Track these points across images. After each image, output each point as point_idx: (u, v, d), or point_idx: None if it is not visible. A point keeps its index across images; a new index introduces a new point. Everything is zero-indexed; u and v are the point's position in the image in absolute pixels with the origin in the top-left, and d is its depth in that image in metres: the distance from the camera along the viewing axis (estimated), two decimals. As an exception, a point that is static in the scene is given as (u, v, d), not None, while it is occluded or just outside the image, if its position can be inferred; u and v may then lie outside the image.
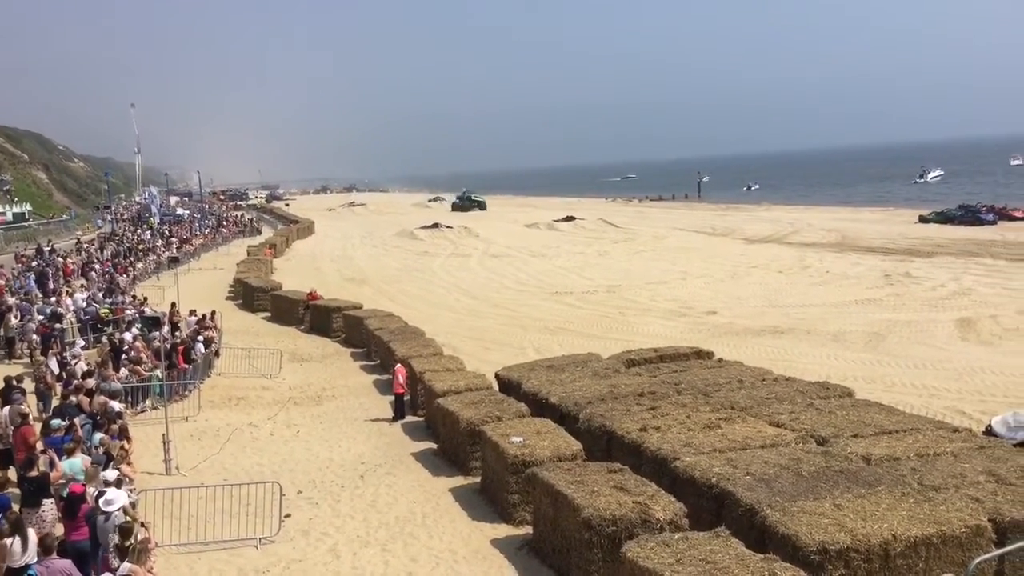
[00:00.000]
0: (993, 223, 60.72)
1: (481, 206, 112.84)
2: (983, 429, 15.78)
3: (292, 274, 49.10)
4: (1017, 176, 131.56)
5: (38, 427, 14.50)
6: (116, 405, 16.11)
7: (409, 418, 20.31)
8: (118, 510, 10.32)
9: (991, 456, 12.42)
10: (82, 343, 24.20)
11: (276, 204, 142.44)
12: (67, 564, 9.32)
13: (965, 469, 11.82)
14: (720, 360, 20.84)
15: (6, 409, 14.83)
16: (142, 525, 10.69)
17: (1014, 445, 13.92)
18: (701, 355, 21.17)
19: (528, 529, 13.12)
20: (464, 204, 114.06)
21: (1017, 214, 63.78)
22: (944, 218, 64.67)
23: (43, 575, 9.10)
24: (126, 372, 20.58)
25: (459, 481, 15.73)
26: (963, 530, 9.84)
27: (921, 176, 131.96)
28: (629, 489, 11.42)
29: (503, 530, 13.39)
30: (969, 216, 63.02)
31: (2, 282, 33.62)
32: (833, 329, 28.43)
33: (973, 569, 9.33)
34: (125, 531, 9.69)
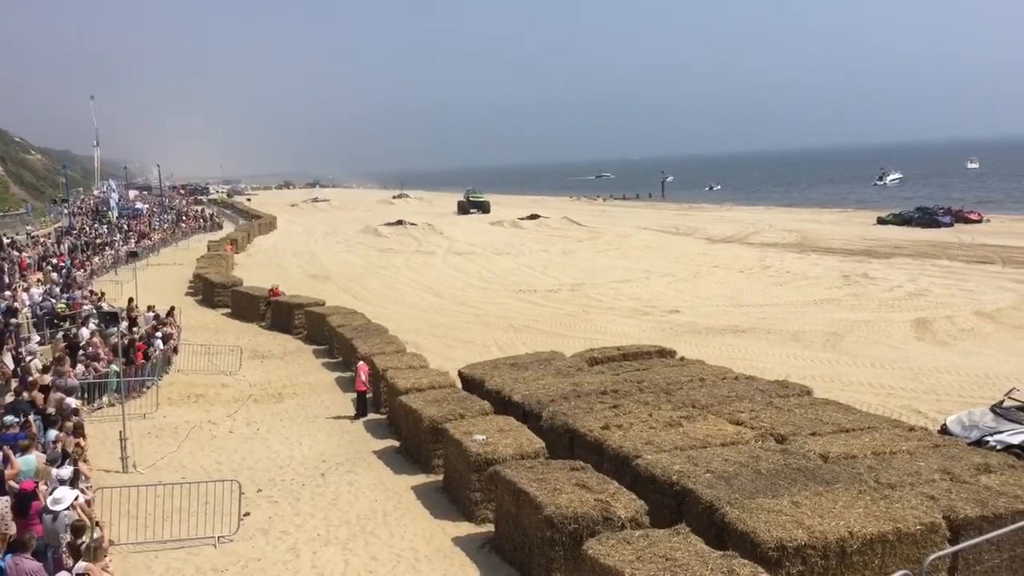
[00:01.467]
0: (950, 225, 61.74)
1: (483, 208, 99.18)
2: (938, 428, 16.06)
3: (253, 270, 48.61)
4: (973, 179, 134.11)
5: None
6: (72, 402, 15.88)
7: (371, 416, 20.21)
8: (67, 509, 10.15)
9: (946, 454, 12.65)
10: (37, 339, 23.77)
11: (238, 199, 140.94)
12: (37, 567, 9.10)
13: (920, 467, 12.03)
14: (682, 359, 20.99)
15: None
16: (97, 524, 10.53)
17: (968, 444, 14.20)
18: (663, 354, 21.32)
19: (490, 527, 13.13)
20: (466, 206, 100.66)
21: (973, 216, 64.92)
22: (902, 220, 65.62)
23: (11, 571, 8.90)
24: (82, 368, 20.25)
25: (421, 479, 15.70)
26: (918, 527, 10.01)
27: (880, 178, 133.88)
28: (591, 487, 11.48)
29: (465, 528, 13.39)
30: (926, 218, 64.01)
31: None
32: (793, 328, 28.76)
33: (928, 566, 9.49)
34: (77, 529, 9.54)
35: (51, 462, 12.08)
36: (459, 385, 19.34)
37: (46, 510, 10.23)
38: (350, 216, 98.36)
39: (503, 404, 17.24)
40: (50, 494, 10.43)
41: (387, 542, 12.90)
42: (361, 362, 21.06)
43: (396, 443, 17.89)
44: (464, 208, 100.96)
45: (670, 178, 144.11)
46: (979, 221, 63.72)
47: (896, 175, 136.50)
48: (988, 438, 15.13)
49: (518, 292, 39.42)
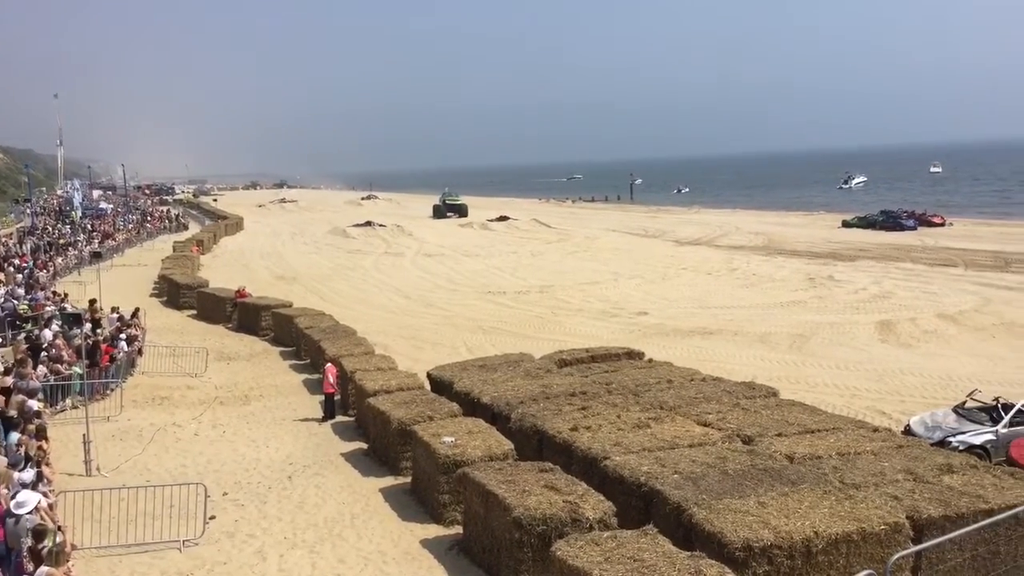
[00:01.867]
0: (913, 228, 62.58)
1: (460, 211, 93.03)
2: (902, 429, 16.30)
3: (220, 271, 48.18)
4: (937, 183, 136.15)
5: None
6: (34, 404, 15.61)
7: (339, 418, 20.09)
8: (30, 512, 9.98)
9: (909, 455, 12.84)
10: None
11: (204, 199, 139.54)
12: None
13: (884, 468, 12.19)
14: (650, 360, 21.10)
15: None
16: (59, 528, 10.37)
17: (931, 444, 14.41)
18: (632, 355, 21.42)
19: (459, 529, 13.11)
20: (443, 210, 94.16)
21: (936, 220, 65.84)
22: (866, 223, 66.43)
23: None
24: (44, 370, 19.95)
25: (389, 481, 15.63)
26: (882, 527, 10.14)
27: (845, 182, 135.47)
28: (559, 488, 11.50)
29: (433, 530, 13.35)
30: (890, 221, 64.85)
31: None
32: (759, 330, 29.02)
33: (892, 565, 9.61)
34: (39, 534, 9.38)
35: (13, 465, 11.88)
36: (428, 387, 19.29)
37: (9, 514, 10.04)
38: (318, 217, 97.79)
39: (472, 406, 17.23)
40: (13, 498, 10.25)
41: (355, 545, 12.83)
42: (329, 364, 20.93)
43: (364, 445, 17.80)
44: (440, 212, 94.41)
45: (638, 180, 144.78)
46: (942, 224, 64.66)
47: (861, 179, 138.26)
48: (951, 439, 15.39)
49: (487, 294, 39.40)
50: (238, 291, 33.77)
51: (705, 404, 16.15)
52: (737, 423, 14.77)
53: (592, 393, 17.07)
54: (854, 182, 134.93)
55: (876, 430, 14.58)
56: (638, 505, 11.70)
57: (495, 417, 16.31)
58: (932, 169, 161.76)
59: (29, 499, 10.17)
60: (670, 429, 14.37)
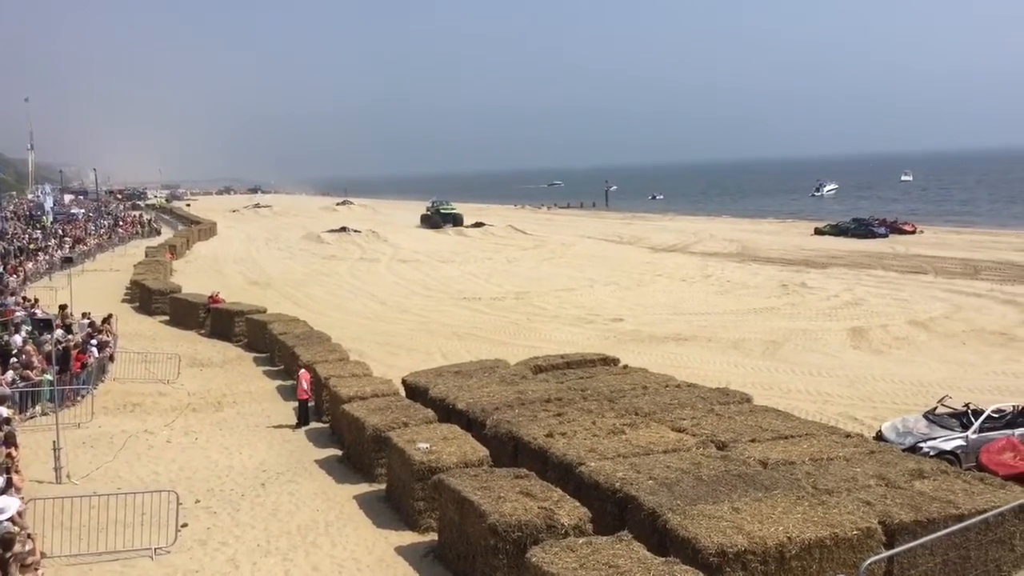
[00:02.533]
0: (885, 236, 63.26)
1: (456, 220, 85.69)
2: (874, 435, 16.43)
3: (193, 276, 47.80)
4: (907, 191, 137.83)
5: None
6: (3, 411, 15.40)
7: (314, 424, 19.99)
8: (7, 519, 9.84)
9: (881, 460, 12.95)
10: None
11: (177, 204, 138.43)
12: None
13: (857, 473, 12.29)
14: (625, 366, 21.17)
15: None
16: (29, 536, 10.23)
17: (903, 450, 14.55)
18: (607, 361, 21.47)
19: (434, 536, 13.07)
20: (435, 219, 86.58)
21: (907, 227, 66.61)
22: (838, 231, 67.06)
23: None
24: (13, 376, 19.69)
25: (364, 488, 15.55)
26: (855, 532, 10.23)
27: (817, 190, 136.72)
28: (535, 495, 11.50)
29: (408, 537, 13.30)
30: (862, 229, 65.50)
31: None
32: (733, 337, 29.20)
33: (864, 570, 9.67)
34: (7, 541, 9.25)
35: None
36: (403, 393, 19.24)
37: None
38: (292, 222, 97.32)
39: (447, 412, 17.19)
40: None
41: (329, 552, 12.75)
42: (303, 370, 20.82)
43: (339, 452, 17.71)
44: (432, 222, 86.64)
45: (614, 187, 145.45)
46: (913, 232, 65.40)
47: (832, 186, 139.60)
48: (922, 444, 15.53)
49: (462, 300, 39.38)
50: (211, 297, 33.51)
51: (679, 410, 16.21)
52: (711, 429, 14.85)
53: (567, 399, 17.09)
54: (825, 190, 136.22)
55: (848, 436, 14.71)
56: (613, 511, 11.72)
57: (470, 423, 16.29)
58: (903, 178, 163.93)
59: (9, 505, 10.03)
60: (645, 435, 14.41)
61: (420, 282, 46.44)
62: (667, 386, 18.42)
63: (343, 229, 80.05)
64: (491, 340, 29.76)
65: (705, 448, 13.77)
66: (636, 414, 15.92)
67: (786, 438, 14.28)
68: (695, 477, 12.04)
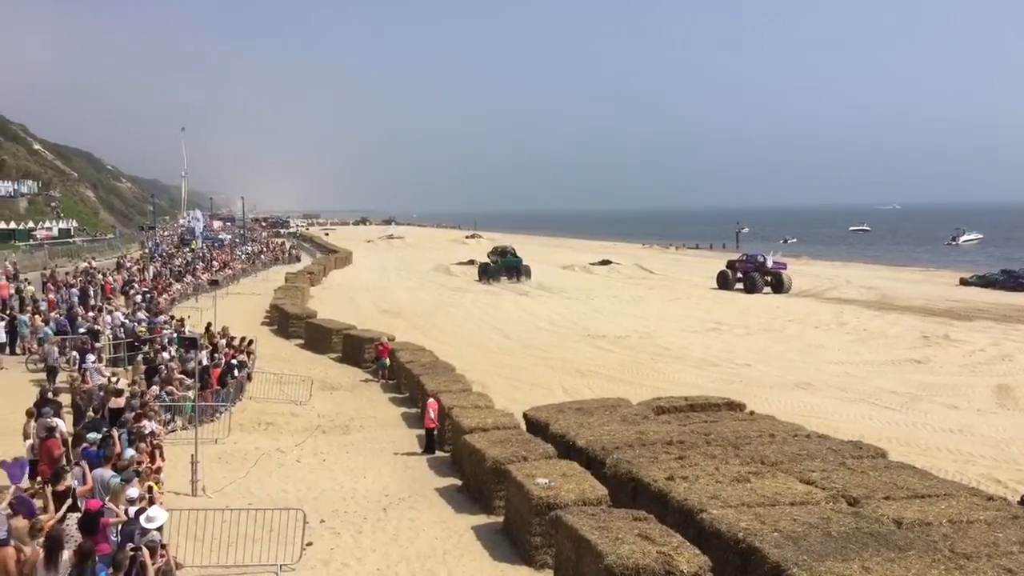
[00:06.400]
0: (1036, 289, 59.74)
1: (520, 271, 68.38)
2: (1018, 499, 15.43)
3: (328, 303, 49.47)
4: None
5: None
6: (151, 424, 16.26)
7: (436, 453, 20.29)
8: (158, 529, 10.35)
9: (1026, 527, 12.14)
10: (92, 359, 24.44)
11: (315, 231, 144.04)
12: None
13: (998, 538, 11.55)
14: (752, 413, 20.61)
15: (34, 422, 15.04)
16: (163, 545, 10.72)
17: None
18: (732, 406, 20.97)
19: (549, 573, 13.01)
20: (493, 270, 68.42)
21: (1062, 281, 62.65)
22: (986, 282, 63.82)
23: None
24: (159, 391, 20.81)
25: (482, 519, 15.64)
26: (995, 602, 9.61)
27: (953, 239, 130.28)
28: (653, 538, 11.29)
29: (524, 572, 13.28)
30: (1011, 281, 62.11)
31: (53, 296, 34.25)
32: (868, 388, 28.03)
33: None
34: (152, 550, 9.73)
35: (126, 481, 12.37)
36: (523, 427, 19.31)
37: (136, 527, 10.39)
38: (423, 254, 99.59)
39: (567, 449, 17.14)
40: (141, 513, 10.61)
41: (445, 582, 12.87)
42: (431, 399, 21.21)
43: (458, 481, 17.89)
44: (491, 273, 68.35)
45: (745, 229, 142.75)
46: (1068, 287, 61.45)
47: (974, 235, 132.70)
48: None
49: (586, 337, 39.27)
50: (381, 343, 30.39)
51: (809, 461, 15.63)
52: (842, 483, 14.24)
53: (690, 443, 16.76)
54: (963, 239, 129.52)
55: (991, 499, 13.84)
56: (735, 562, 11.38)
57: (590, 461, 16.18)
58: None
59: (160, 516, 10.54)
60: (771, 485, 13.96)
61: (544, 317, 46.63)
62: (796, 435, 17.82)
63: (471, 262, 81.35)
64: (613, 378, 29.54)
65: (835, 503, 13.21)
66: (762, 463, 15.46)
67: (923, 497, 13.55)
68: (824, 532, 11.57)
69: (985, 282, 63.90)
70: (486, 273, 68.87)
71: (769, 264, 62.29)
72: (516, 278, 67.56)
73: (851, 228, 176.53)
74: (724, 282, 63.10)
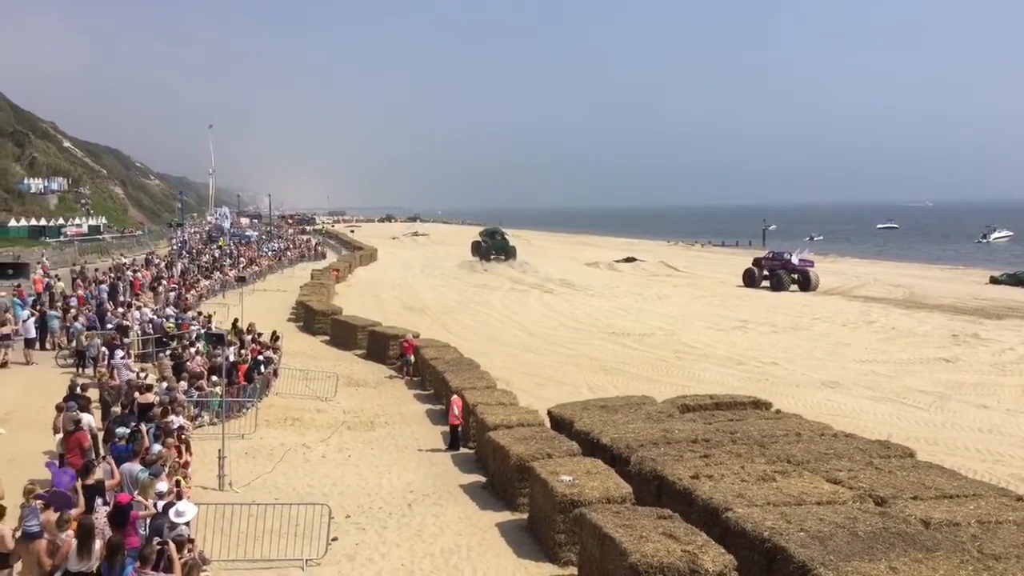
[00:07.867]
0: (1069, 287, 58.83)
1: (507, 252, 79.98)
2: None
3: (353, 300, 49.73)
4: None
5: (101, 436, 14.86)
6: (178, 419, 16.41)
7: (460, 450, 20.34)
8: (187, 523, 10.45)
9: (1057, 529, 11.97)
10: (121, 355, 24.68)
11: (341, 229, 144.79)
12: None
13: (1029, 540, 11.41)
14: (778, 411, 20.49)
15: (61, 415, 15.21)
16: (190, 540, 10.82)
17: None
18: (758, 405, 20.86)
19: (573, 570, 13.01)
20: (484, 249, 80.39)
21: (1095, 280, 61.67)
22: (1016, 280, 62.88)
23: None
24: (186, 386, 20.99)
25: (506, 516, 15.67)
26: (1025, 604, 9.50)
27: (984, 236, 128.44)
28: (678, 537, 11.26)
29: (548, 569, 13.28)
30: (1042, 279, 61.25)
31: (82, 292, 34.68)
32: (896, 387, 27.77)
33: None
34: (180, 544, 9.83)
35: (155, 476, 12.50)
36: (548, 424, 19.31)
37: (166, 521, 10.50)
38: (447, 251, 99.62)
39: (591, 446, 17.13)
40: (170, 507, 10.72)
41: (470, 578, 12.90)
42: (455, 396, 21.27)
43: (483, 478, 17.93)
44: (482, 251, 79.66)
45: (772, 227, 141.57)
46: (1102, 285, 60.47)
47: (1005, 233, 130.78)
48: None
49: (611, 334, 39.20)
50: (406, 341, 30.48)
51: (836, 461, 15.51)
52: (869, 483, 14.12)
53: (715, 441, 16.68)
54: (994, 236, 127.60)
55: (1020, 499, 13.65)
56: (760, 561, 11.32)
57: (614, 459, 16.16)
58: None
59: (189, 510, 10.64)
60: (797, 484, 13.87)
61: (569, 314, 46.57)
62: (823, 435, 17.69)
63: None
64: (638, 376, 29.47)
65: (862, 502, 13.10)
66: (788, 462, 15.35)
67: (951, 497, 13.41)
68: (850, 532, 11.47)
69: (1015, 280, 62.96)
70: (478, 251, 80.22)
71: (795, 261, 61.77)
72: (504, 257, 78.57)
73: (879, 226, 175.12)
74: (750, 280, 62.66)
